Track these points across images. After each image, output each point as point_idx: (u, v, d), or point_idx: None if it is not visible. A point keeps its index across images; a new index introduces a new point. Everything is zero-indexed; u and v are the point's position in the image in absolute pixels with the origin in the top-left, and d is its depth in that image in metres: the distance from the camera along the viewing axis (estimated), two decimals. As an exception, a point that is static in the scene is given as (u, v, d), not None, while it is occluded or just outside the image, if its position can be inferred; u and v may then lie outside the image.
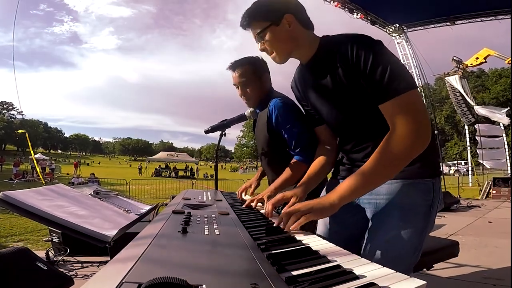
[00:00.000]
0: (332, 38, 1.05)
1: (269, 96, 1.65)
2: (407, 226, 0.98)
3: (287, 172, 1.51)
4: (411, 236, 0.98)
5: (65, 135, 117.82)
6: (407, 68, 0.99)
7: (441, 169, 1.10)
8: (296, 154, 1.52)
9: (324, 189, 1.28)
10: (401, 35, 12.93)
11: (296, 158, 1.53)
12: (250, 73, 1.61)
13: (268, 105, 1.58)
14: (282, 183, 1.48)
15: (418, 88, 0.98)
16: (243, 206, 1.31)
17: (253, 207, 1.30)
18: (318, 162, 1.25)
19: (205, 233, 0.77)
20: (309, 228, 1.00)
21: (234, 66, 1.63)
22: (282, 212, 0.96)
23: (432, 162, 1.05)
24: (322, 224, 1.25)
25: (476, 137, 14.00)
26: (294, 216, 0.90)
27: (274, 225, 0.93)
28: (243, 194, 1.70)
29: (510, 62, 13.56)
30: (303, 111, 1.36)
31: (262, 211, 1.22)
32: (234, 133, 66.49)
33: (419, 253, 1.01)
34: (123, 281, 0.43)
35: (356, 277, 0.56)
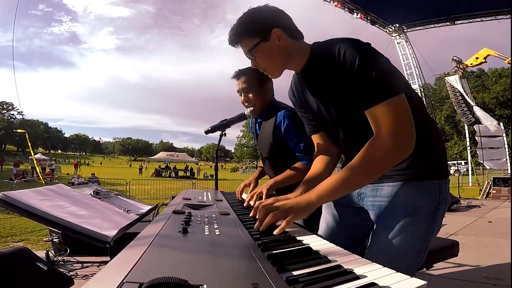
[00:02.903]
0: (321, 44, 1.04)
1: (273, 106, 1.72)
2: (410, 228, 0.96)
3: (291, 171, 1.56)
4: (414, 239, 0.96)
5: (65, 135, 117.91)
6: (397, 71, 0.97)
7: (449, 171, 1.07)
8: (304, 159, 1.57)
9: None
10: (401, 35, 12.94)
11: (303, 163, 1.57)
12: (253, 80, 1.66)
13: (276, 114, 1.64)
14: (284, 179, 1.52)
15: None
16: (245, 205, 1.32)
17: (252, 204, 1.30)
18: (314, 170, 1.23)
19: (206, 233, 0.77)
20: (309, 228, 1.00)
21: (238, 74, 1.69)
22: (257, 203, 0.94)
23: (439, 163, 1.03)
24: (324, 225, 1.25)
25: (476, 137, 14.01)
26: (273, 215, 0.87)
27: (250, 214, 0.94)
28: (242, 193, 1.71)
29: (510, 62, 13.57)
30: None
31: None
32: (234, 133, 66.52)
33: (423, 255, 1.00)
34: (124, 281, 0.43)
35: (357, 277, 0.56)
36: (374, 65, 0.91)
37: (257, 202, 0.97)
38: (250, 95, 1.67)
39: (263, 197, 1.35)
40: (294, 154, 1.63)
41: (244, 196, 1.67)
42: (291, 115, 1.60)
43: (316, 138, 1.26)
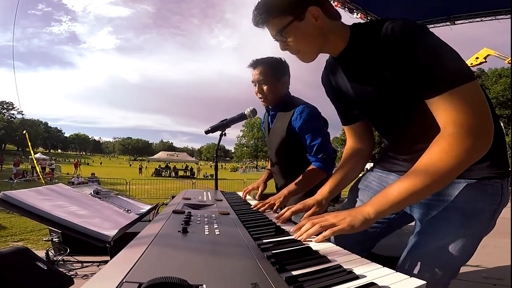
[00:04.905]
0: (365, 26, 0.91)
1: (289, 99, 1.67)
2: (466, 233, 0.86)
3: (303, 178, 1.50)
4: (468, 244, 0.87)
5: (65, 135, 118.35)
6: (460, 56, 0.81)
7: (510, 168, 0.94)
8: (316, 161, 1.52)
9: (361, 181, 1.17)
10: (401, 35, 12.91)
11: (315, 165, 1.52)
12: (270, 73, 1.60)
13: (294, 109, 1.59)
14: (297, 188, 1.45)
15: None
16: (252, 206, 1.26)
17: (261, 211, 1.25)
18: (344, 167, 1.13)
19: (206, 233, 0.77)
20: None
21: (255, 63, 1.63)
22: (307, 218, 0.87)
23: (502, 160, 0.90)
24: None
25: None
26: (320, 225, 0.81)
27: (292, 230, 0.87)
28: (247, 195, 1.67)
29: (510, 62, 13.57)
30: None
31: (269, 215, 1.20)
32: (234, 133, 66.64)
33: (471, 257, 0.91)
34: (124, 280, 0.43)
35: (356, 277, 0.56)
36: (440, 47, 0.78)
37: (305, 217, 0.89)
38: (265, 87, 1.61)
39: (274, 208, 1.30)
40: (305, 152, 1.58)
41: (249, 198, 1.64)
42: (308, 111, 1.55)
43: (348, 130, 1.16)
